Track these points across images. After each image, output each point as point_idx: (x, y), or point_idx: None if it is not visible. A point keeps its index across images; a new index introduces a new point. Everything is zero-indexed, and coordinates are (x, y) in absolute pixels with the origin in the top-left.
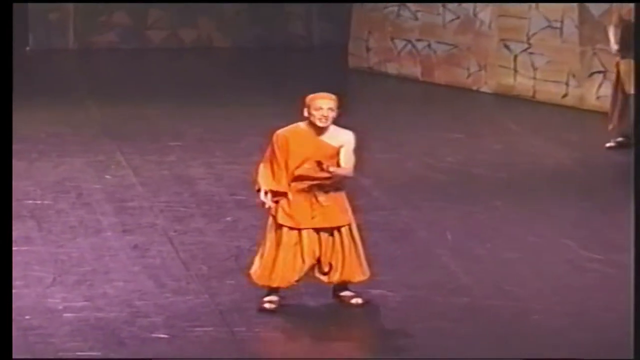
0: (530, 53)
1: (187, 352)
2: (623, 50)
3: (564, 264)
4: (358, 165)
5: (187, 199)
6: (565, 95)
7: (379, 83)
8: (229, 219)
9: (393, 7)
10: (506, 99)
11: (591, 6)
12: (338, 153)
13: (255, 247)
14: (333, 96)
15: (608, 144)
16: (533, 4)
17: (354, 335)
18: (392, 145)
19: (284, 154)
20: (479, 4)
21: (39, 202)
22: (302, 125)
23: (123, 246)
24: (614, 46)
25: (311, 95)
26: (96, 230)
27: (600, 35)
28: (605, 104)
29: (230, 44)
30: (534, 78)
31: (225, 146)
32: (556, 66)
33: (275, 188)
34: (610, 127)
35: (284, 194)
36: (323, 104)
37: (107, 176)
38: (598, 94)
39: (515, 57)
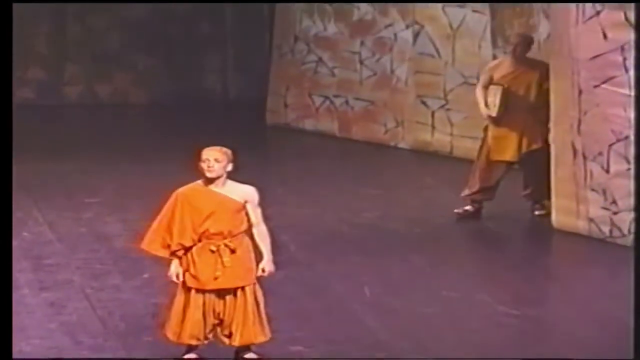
0: (447, 109)
1: None
2: (498, 116)
3: (481, 319)
4: (271, 220)
5: (104, 256)
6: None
7: (297, 139)
8: (146, 275)
9: (311, 64)
10: (423, 154)
11: None
12: (243, 208)
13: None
14: (222, 149)
15: (456, 210)
16: (449, 61)
17: None
18: (309, 200)
19: (187, 212)
20: (395, 61)
21: None
22: (199, 182)
23: (40, 303)
24: (484, 110)
25: (201, 151)
26: (13, 287)
27: None
28: None
29: (146, 99)
30: (451, 134)
31: (141, 203)
32: (473, 122)
33: (173, 248)
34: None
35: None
36: (209, 155)
37: (24, 233)
38: None
39: (433, 113)
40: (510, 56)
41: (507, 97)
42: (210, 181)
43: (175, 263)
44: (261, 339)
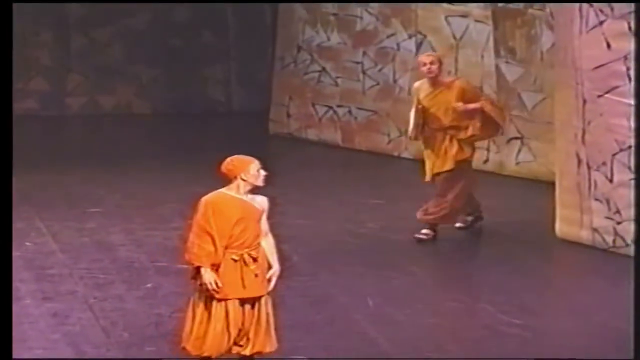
0: None
1: None
2: (421, 136)
3: (483, 329)
4: (274, 230)
5: (107, 266)
6: (486, 161)
7: (300, 149)
8: (149, 285)
9: (314, 74)
10: None
11: (507, 72)
12: (260, 218)
13: (175, 313)
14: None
15: (457, 224)
16: (452, 71)
17: None
18: (312, 211)
19: (217, 219)
20: (397, 71)
21: None
22: (224, 190)
23: (42, 314)
24: (411, 130)
25: (241, 160)
26: (16, 298)
27: (514, 101)
28: (524, 170)
29: (149, 110)
30: None
31: (144, 212)
32: None
33: (216, 261)
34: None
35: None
36: (260, 166)
37: (27, 243)
38: (517, 159)
39: None
40: (426, 77)
41: (423, 117)
42: (241, 193)
43: (208, 271)
44: (268, 348)
